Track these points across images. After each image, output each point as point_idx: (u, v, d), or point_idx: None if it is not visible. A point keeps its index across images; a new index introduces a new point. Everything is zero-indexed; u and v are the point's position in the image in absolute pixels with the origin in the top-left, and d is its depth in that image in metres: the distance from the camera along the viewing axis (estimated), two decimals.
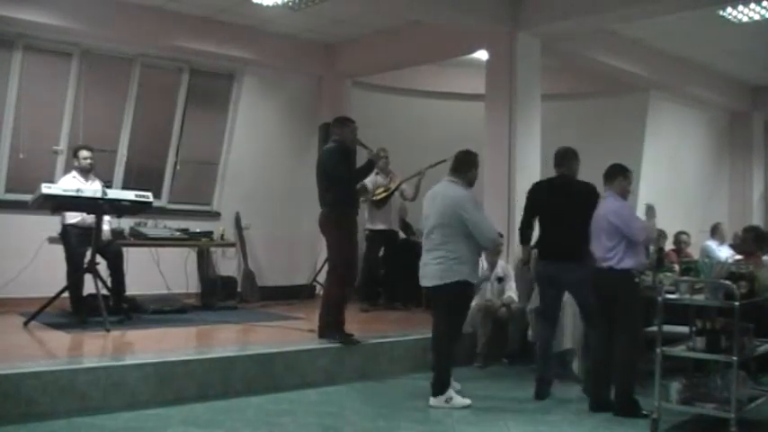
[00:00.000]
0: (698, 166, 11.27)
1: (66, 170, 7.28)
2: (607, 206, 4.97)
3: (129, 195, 6.45)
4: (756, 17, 7.65)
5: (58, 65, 7.89)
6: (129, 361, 4.90)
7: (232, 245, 8.47)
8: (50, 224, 6.75)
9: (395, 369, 5.69)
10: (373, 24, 8.43)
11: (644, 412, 4.67)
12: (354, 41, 9.03)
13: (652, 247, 6.12)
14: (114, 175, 8.25)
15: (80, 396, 4.50)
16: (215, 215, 8.95)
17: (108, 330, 5.92)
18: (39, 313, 6.14)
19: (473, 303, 6.58)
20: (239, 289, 8.62)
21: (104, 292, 6.28)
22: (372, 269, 8.11)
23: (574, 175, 5.40)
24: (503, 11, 7.26)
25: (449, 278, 4.92)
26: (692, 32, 8.37)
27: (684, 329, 5.01)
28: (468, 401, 4.97)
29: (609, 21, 7.38)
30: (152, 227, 7.49)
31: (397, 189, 7.94)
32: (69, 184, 6.50)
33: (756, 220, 10.60)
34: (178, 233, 7.51)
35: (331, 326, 5.80)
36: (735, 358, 4.23)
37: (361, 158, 6.13)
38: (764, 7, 7.38)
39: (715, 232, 9.08)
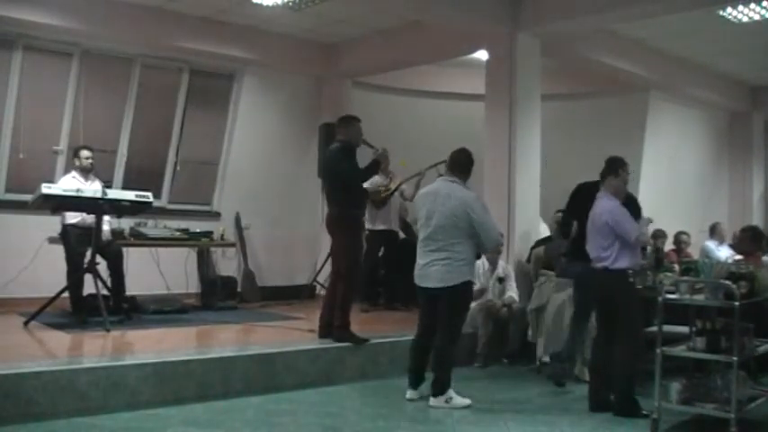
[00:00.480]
0: (698, 166, 11.27)
1: (67, 170, 7.28)
2: (602, 206, 4.95)
3: (129, 195, 6.45)
4: (756, 17, 7.65)
5: (58, 65, 7.89)
6: (129, 361, 4.90)
7: (232, 245, 8.47)
8: (50, 224, 6.75)
9: (395, 369, 5.69)
10: (373, 24, 8.43)
11: (644, 412, 4.67)
12: (354, 41, 9.03)
13: (649, 248, 6.12)
14: (114, 175, 8.25)
15: (80, 396, 4.50)
16: (215, 215, 8.95)
17: (108, 330, 5.92)
18: (39, 313, 6.14)
19: (473, 304, 6.62)
20: (239, 289, 8.62)
21: (104, 292, 6.28)
22: (372, 269, 8.11)
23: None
24: (503, 11, 7.26)
25: (456, 279, 4.90)
26: (692, 32, 8.37)
27: (684, 329, 5.01)
28: (468, 401, 4.97)
29: (609, 21, 7.38)
30: (152, 227, 7.49)
31: (397, 189, 7.94)
32: (69, 184, 6.50)
33: (756, 220, 10.61)
34: (178, 233, 7.50)
35: (340, 328, 5.79)
36: (735, 358, 4.23)
37: (362, 156, 6.08)
38: (764, 7, 7.37)
39: (714, 232, 9.08)
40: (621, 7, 6.71)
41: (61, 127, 7.93)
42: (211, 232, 7.83)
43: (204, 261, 8.28)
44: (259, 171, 9.20)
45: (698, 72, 9.93)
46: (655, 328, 4.58)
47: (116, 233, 7.00)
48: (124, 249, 6.96)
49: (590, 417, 4.86)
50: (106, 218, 6.57)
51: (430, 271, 4.98)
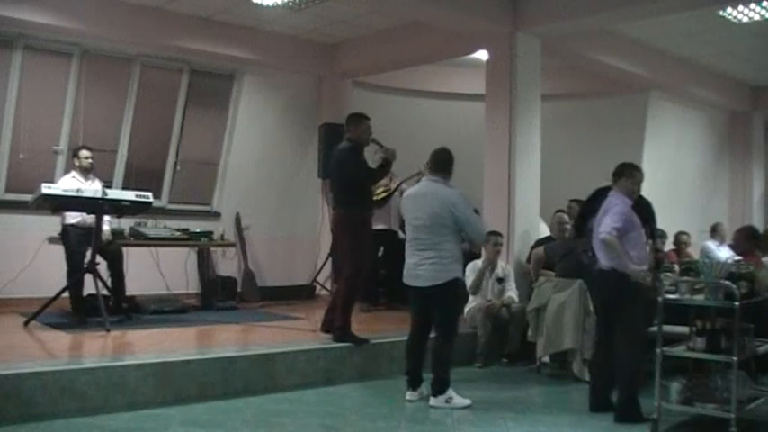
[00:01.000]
0: (698, 166, 11.28)
1: (67, 170, 7.28)
2: (612, 203, 4.85)
3: (129, 195, 6.46)
4: (756, 17, 7.65)
5: (58, 65, 7.89)
6: (129, 361, 4.89)
7: (232, 245, 8.47)
8: (50, 224, 6.75)
9: (395, 369, 5.69)
10: (373, 24, 8.43)
11: (645, 416, 4.64)
12: (354, 41, 9.03)
13: (647, 248, 6.10)
14: (114, 175, 8.26)
15: (80, 396, 4.50)
16: (215, 215, 8.95)
17: (108, 330, 5.93)
18: (39, 313, 6.15)
19: (474, 304, 6.62)
20: (239, 289, 8.63)
21: (104, 292, 6.29)
22: (372, 269, 8.09)
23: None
24: (503, 11, 7.26)
25: (445, 277, 4.92)
26: (692, 32, 8.37)
27: (684, 329, 5.00)
28: (468, 401, 4.97)
29: (609, 21, 7.38)
30: (152, 227, 7.48)
31: (397, 189, 7.93)
32: (69, 184, 6.50)
33: (756, 220, 10.61)
34: (178, 233, 7.50)
35: (340, 329, 5.80)
36: (735, 358, 4.23)
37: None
38: (764, 7, 7.38)
39: (715, 232, 9.08)
40: (621, 7, 6.71)
41: (61, 127, 7.93)
42: (211, 232, 7.82)
43: (204, 261, 8.29)
44: (259, 171, 9.20)
45: (698, 72, 9.93)
46: (655, 328, 4.58)
47: (116, 233, 6.99)
48: (124, 249, 6.96)
49: (590, 417, 4.85)
50: (106, 218, 6.57)
51: (418, 271, 5.00)
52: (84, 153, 6.77)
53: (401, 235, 8.52)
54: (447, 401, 4.93)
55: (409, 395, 5.10)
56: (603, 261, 4.79)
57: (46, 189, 5.98)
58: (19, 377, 4.35)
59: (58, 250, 6.63)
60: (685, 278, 4.75)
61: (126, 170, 8.40)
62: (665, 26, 8.01)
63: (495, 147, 7.45)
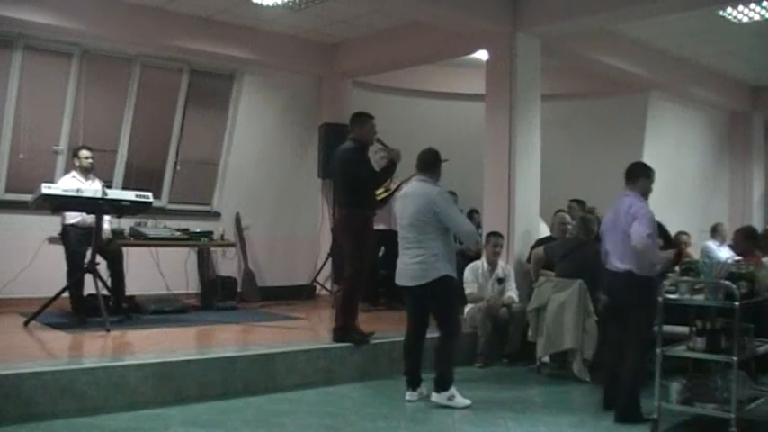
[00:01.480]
0: (698, 166, 11.28)
1: (67, 170, 7.28)
2: (631, 203, 4.78)
3: (129, 195, 6.46)
4: (756, 17, 7.65)
5: (58, 65, 7.89)
6: (129, 361, 4.89)
7: (232, 245, 8.47)
8: (50, 224, 6.75)
9: (395, 369, 5.68)
10: (373, 24, 8.43)
11: (645, 416, 4.63)
12: (354, 41, 9.03)
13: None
14: (114, 175, 8.25)
15: (80, 396, 4.50)
16: (215, 215, 8.95)
17: (108, 330, 5.93)
18: (39, 313, 6.15)
19: (474, 304, 6.62)
20: (239, 289, 8.62)
21: (104, 292, 6.28)
22: (372, 269, 8.09)
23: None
24: (503, 11, 7.26)
25: (432, 275, 4.91)
26: (692, 32, 8.37)
27: (684, 329, 5.00)
28: (468, 402, 4.97)
29: (609, 21, 7.38)
30: (152, 227, 7.48)
31: (397, 189, 7.92)
32: (69, 184, 6.50)
33: (756, 220, 10.61)
34: (178, 233, 7.50)
35: (341, 329, 5.81)
36: (735, 358, 4.23)
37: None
38: (764, 7, 7.38)
39: (715, 232, 9.08)
40: (621, 7, 6.71)
41: (61, 127, 7.93)
42: (211, 232, 7.82)
43: (204, 261, 8.29)
44: (259, 171, 9.20)
45: (698, 72, 9.93)
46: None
47: (116, 233, 7.00)
48: (124, 249, 6.96)
49: (590, 417, 4.86)
50: (106, 217, 6.57)
51: (407, 270, 5.02)
52: (84, 153, 6.77)
53: None
54: (449, 399, 4.93)
55: (409, 395, 5.10)
56: (623, 264, 4.74)
57: (46, 189, 5.98)
58: (19, 377, 4.35)
59: (58, 250, 6.63)
60: (685, 278, 4.75)
61: (126, 170, 8.40)
62: (665, 26, 8.01)
63: (495, 147, 7.45)
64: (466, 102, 9.76)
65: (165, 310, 7.16)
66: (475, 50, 8.25)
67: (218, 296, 7.95)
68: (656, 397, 4.45)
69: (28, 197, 6.48)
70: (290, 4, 7.57)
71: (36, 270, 7.02)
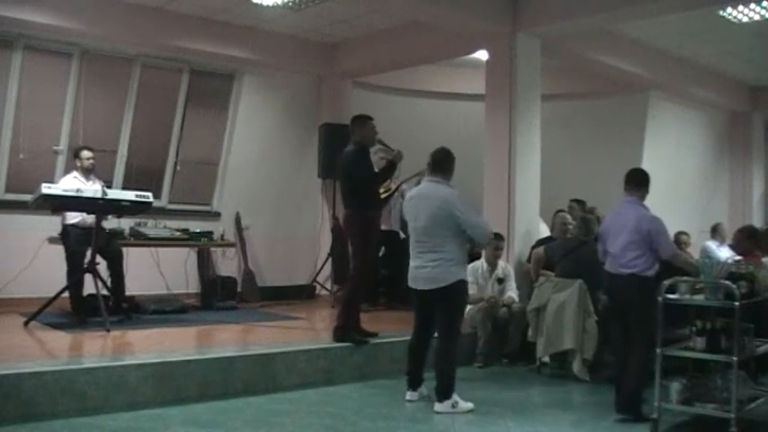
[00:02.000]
0: (698, 166, 11.28)
1: (67, 170, 7.29)
2: (639, 212, 4.88)
3: (130, 195, 6.46)
4: (756, 17, 7.65)
5: (58, 65, 7.89)
6: (129, 361, 4.89)
7: (232, 245, 8.47)
8: (50, 224, 6.75)
9: (395, 369, 5.69)
10: (373, 24, 8.43)
11: (645, 416, 4.64)
12: (354, 41, 9.03)
13: None
14: (114, 176, 8.26)
15: (80, 396, 4.50)
16: (215, 215, 8.95)
17: (108, 330, 5.93)
18: (39, 313, 6.15)
19: (469, 307, 6.61)
20: (239, 289, 8.62)
21: (104, 292, 6.29)
22: (373, 269, 8.10)
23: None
24: (503, 11, 7.26)
25: (449, 279, 4.87)
26: (692, 32, 8.37)
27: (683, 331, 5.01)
28: (471, 405, 4.91)
29: (609, 21, 7.38)
30: (152, 227, 7.48)
31: (397, 189, 7.93)
32: (70, 184, 6.50)
33: (756, 220, 10.60)
34: (178, 233, 7.50)
35: (342, 328, 5.83)
36: (735, 358, 4.23)
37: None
38: (764, 7, 7.38)
39: (715, 232, 9.08)
40: (621, 7, 6.71)
41: (61, 127, 7.93)
42: (211, 232, 7.82)
43: (204, 261, 8.29)
44: (259, 171, 9.20)
45: (698, 72, 9.93)
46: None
47: (116, 233, 7.00)
48: (124, 249, 6.96)
49: (591, 417, 4.86)
50: None
51: (422, 273, 4.96)
52: (85, 153, 6.77)
53: (402, 235, 8.55)
54: (453, 407, 4.84)
55: (409, 395, 5.09)
56: (626, 269, 4.80)
57: (46, 189, 5.98)
58: (19, 377, 4.35)
59: (58, 250, 6.63)
60: (685, 278, 4.75)
61: (126, 170, 8.40)
62: (665, 26, 8.01)
63: (495, 147, 7.45)
64: (466, 102, 9.76)
65: (165, 310, 7.16)
66: (475, 50, 8.25)
67: (218, 296, 7.95)
68: (656, 397, 4.44)
69: (28, 197, 6.48)
70: (290, 4, 7.58)
71: (36, 270, 7.02)
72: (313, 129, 9.39)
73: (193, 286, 8.21)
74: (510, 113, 7.34)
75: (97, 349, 5.54)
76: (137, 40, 7.98)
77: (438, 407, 4.87)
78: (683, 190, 10.62)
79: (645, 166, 9.80)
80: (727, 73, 10.32)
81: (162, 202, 8.55)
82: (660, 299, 4.50)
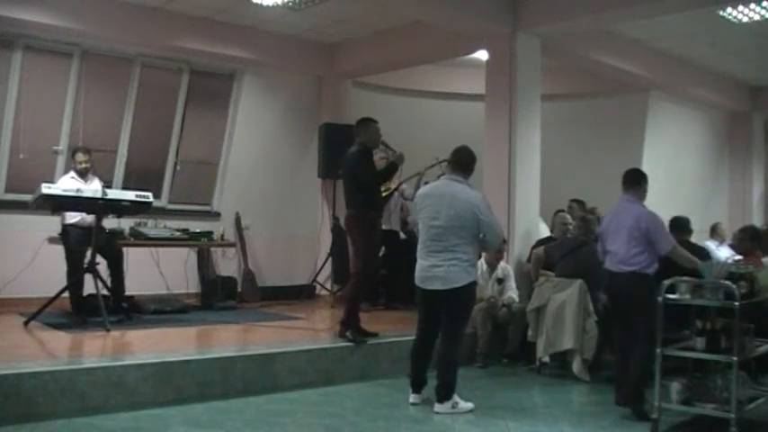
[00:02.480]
0: (698, 166, 11.28)
1: (66, 170, 7.29)
2: (638, 210, 4.92)
3: (129, 195, 6.46)
4: (756, 17, 7.65)
5: (58, 65, 7.89)
6: (129, 361, 4.89)
7: (232, 245, 8.47)
8: (50, 224, 6.75)
9: (395, 369, 5.69)
10: (373, 24, 8.43)
11: (646, 415, 4.64)
12: (354, 41, 9.03)
13: None
14: (114, 175, 8.26)
15: (80, 396, 4.50)
16: (215, 215, 8.95)
17: (108, 330, 5.93)
18: (39, 313, 6.15)
19: (477, 305, 6.61)
20: (239, 289, 8.62)
21: (104, 292, 6.28)
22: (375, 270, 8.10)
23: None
24: (503, 11, 7.26)
25: (463, 280, 4.80)
26: (692, 32, 8.37)
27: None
28: (471, 405, 4.91)
29: (609, 21, 7.38)
30: (152, 227, 7.49)
31: (397, 189, 7.93)
32: (69, 184, 6.51)
33: (756, 220, 10.60)
34: (178, 233, 7.50)
35: (344, 324, 5.87)
36: (735, 358, 4.23)
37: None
38: (764, 7, 7.37)
39: (715, 232, 9.08)
40: (621, 7, 6.71)
41: (61, 127, 7.93)
42: (211, 232, 7.82)
43: (204, 261, 8.29)
44: (259, 171, 9.20)
45: (698, 72, 9.93)
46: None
47: (116, 233, 7.00)
48: (124, 249, 6.96)
49: (591, 417, 4.86)
50: None
51: (435, 273, 4.84)
52: (79, 157, 6.78)
53: (401, 235, 8.55)
54: (453, 407, 4.83)
55: (413, 398, 5.03)
56: (627, 267, 4.84)
57: (46, 189, 5.98)
58: (19, 377, 4.35)
59: (58, 250, 6.63)
60: (685, 278, 4.75)
61: (126, 170, 8.40)
62: (665, 26, 8.01)
63: (495, 147, 7.45)
64: (466, 102, 9.75)
65: (165, 310, 7.16)
66: (475, 50, 8.25)
67: (218, 296, 7.94)
68: (656, 397, 4.45)
69: (28, 197, 6.48)
70: (290, 4, 7.58)
71: (36, 270, 7.02)
72: (313, 129, 9.39)
73: (193, 286, 8.21)
74: (510, 113, 7.34)
75: (97, 349, 5.54)
76: (137, 40, 7.98)
77: (438, 407, 4.85)
78: (682, 190, 10.61)
79: (645, 166, 9.90)
80: (727, 73, 10.32)
81: (162, 202, 8.55)
82: (660, 299, 4.51)
